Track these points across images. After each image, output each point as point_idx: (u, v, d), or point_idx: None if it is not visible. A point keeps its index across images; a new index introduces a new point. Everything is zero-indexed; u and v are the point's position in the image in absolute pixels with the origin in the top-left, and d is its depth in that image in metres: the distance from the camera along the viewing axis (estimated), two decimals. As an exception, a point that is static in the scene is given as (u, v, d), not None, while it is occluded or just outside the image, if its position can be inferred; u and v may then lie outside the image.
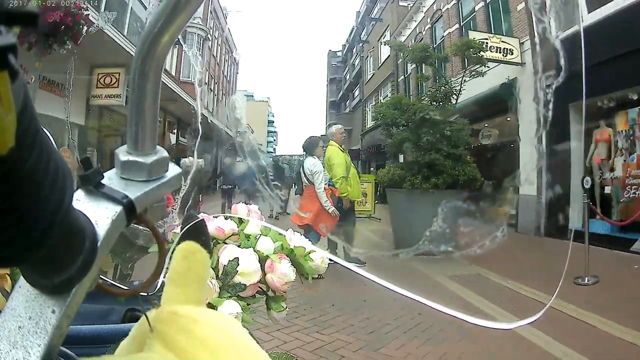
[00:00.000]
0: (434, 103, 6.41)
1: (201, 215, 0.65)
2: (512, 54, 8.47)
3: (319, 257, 0.72)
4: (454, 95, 6.40)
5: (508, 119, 8.81)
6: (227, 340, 0.28)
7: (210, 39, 19.70)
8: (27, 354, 0.25)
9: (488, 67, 7.42)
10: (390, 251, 5.36)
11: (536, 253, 5.83)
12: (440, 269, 4.47)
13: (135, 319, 0.64)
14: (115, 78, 8.00)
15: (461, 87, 6.51)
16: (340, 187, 4.60)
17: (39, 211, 0.20)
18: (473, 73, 6.88)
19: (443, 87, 6.55)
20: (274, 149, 60.45)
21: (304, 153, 4.86)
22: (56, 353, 0.27)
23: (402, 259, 4.82)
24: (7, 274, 0.51)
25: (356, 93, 27.96)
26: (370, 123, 22.13)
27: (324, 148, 4.83)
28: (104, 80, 8.04)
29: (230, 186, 9.63)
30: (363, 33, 24.77)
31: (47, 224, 0.20)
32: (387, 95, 18.65)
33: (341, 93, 33.42)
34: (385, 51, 19.47)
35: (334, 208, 4.45)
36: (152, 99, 0.31)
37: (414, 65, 14.81)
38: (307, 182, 4.60)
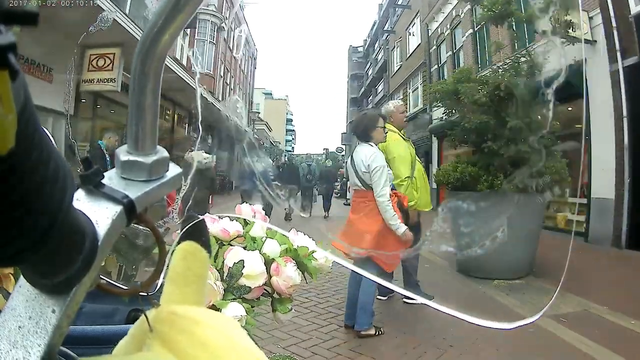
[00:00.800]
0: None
1: (206, 216, 0.65)
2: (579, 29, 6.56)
3: (322, 256, 0.72)
4: (537, 70, 4.42)
5: (570, 108, 7.11)
6: (226, 341, 0.28)
7: (226, 28, 18.28)
8: (27, 354, 0.25)
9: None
10: (467, 278, 4.23)
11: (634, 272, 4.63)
12: (532, 304, 3.29)
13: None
14: (110, 59, 6.67)
15: (544, 59, 4.78)
16: (406, 192, 2.99)
17: (39, 211, 0.20)
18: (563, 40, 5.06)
19: (525, 58, 4.70)
20: (293, 147, 60.69)
21: (351, 143, 3.87)
22: (56, 352, 0.27)
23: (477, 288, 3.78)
24: (10, 273, 0.52)
25: (380, 88, 26.86)
26: None
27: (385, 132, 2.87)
28: (96, 62, 6.71)
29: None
30: (387, 24, 23.50)
31: (47, 223, 0.21)
32: (416, 88, 17.92)
33: (363, 89, 32.60)
34: (414, 41, 18.31)
35: (405, 228, 2.63)
36: (153, 98, 0.31)
37: (449, 53, 14.05)
38: (359, 184, 2.72)
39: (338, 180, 16.79)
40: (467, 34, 12.62)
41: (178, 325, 0.28)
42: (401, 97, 19.49)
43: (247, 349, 0.29)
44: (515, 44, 7.04)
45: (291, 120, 64.30)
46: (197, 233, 0.34)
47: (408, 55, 18.84)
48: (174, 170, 0.34)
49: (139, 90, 0.30)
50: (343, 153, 40.33)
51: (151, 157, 0.32)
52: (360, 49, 36.53)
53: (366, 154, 2.66)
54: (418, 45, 17.46)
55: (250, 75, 28.05)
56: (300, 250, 0.72)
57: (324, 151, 39.38)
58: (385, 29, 23.07)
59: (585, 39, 6.68)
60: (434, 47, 15.62)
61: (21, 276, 0.27)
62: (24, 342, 0.26)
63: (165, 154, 0.33)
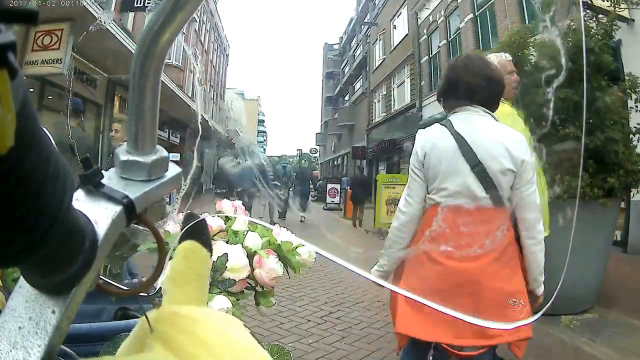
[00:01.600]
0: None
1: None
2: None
3: (306, 251, 0.73)
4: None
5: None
6: (227, 341, 0.29)
7: (197, 20, 17.15)
8: (27, 355, 0.25)
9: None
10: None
11: None
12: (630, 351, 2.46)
13: (126, 317, 0.64)
14: (57, 37, 5.67)
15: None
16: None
17: (39, 211, 0.20)
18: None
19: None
20: (264, 149, 59.39)
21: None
22: (56, 353, 0.27)
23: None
24: None
25: (357, 86, 25.99)
26: (378, 116, 19.53)
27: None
28: (41, 41, 5.67)
29: (224, 190, 9.23)
30: (367, 17, 21.91)
31: (47, 224, 0.21)
32: (402, 82, 16.55)
33: (339, 88, 31.57)
34: (399, 32, 16.83)
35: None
36: (152, 99, 0.31)
37: (443, 42, 12.66)
38: (481, 193, 1.22)
39: (312, 182, 16.06)
40: (466, 19, 11.46)
41: (179, 325, 0.29)
42: (384, 92, 18.68)
43: (249, 347, 0.29)
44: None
45: (263, 122, 62.91)
46: (197, 232, 0.34)
47: (392, 48, 17.57)
48: (173, 170, 0.34)
49: (139, 91, 0.30)
50: (317, 154, 38.82)
51: (151, 157, 0.32)
52: (336, 47, 35.27)
53: (512, 138, 1.26)
54: (405, 36, 16.07)
55: (222, 72, 26.82)
56: (284, 245, 0.73)
57: (298, 152, 38.32)
58: (367, 20, 21.64)
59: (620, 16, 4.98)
60: (424, 36, 14.35)
61: (21, 277, 0.27)
62: (24, 343, 0.26)
63: (165, 153, 0.33)
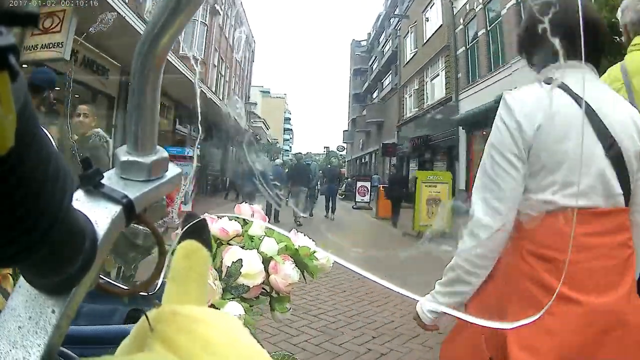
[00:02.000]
0: None
1: (205, 216, 0.66)
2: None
3: (324, 256, 0.72)
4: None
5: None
6: (228, 340, 0.28)
7: (221, 13, 16.54)
8: (27, 354, 0.25)
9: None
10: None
11: None
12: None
13: (139, 319, 0.66)
14: (59, 19, 5.12)
15: None
16: None
17: (39, 211, 0.20)
18: None
19: None
20: (290, 147, 59.38)
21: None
22: (56, 353, 0.28)
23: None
24: (9, 273, 0.52)
25: (386, 82, 25.57)
26: (410, 111, 18.70)
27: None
28: (42, 24, 5.01)
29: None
30: (397, 10, 21.57)
31: (47, 224, 0.21)
32: (437, 75, 15.79)
33: (367, 84, 31.11)
34: (432, 24, 16.04)
35: None
36: (152, 99, 0.31)
37: (482, 31, 11.91)
38: (616, 190, 0.81)
39: (339, 180, 15.15)
40: (509, 5, 10.67)
41: (179, 324, 0.29)
42: (416, 87, 17.90)
43: (250, 347, 0.29)
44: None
45: (289, 119, 63.06)
46: (197, 232, 0.34)
47: (425, 41, 16.69)
48: (173, 170, 0.34)
49: (139, 91, 0.30)
50: (344, 152, 38.25)
51: (150, 157, 0.32)
52: (364, 43, 35.00)
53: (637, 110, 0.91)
54: (439, 27, 15.17)
55: (247, 69, 26.50)
56: (301, 250, 0.72)
57: (325, 150, 37.45)
58: (397, 12, 21.17)
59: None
60: (461, 26, 13.51)
61: (21, 276, 0.28)
62: (24, 342, 0.26)
63: (165, 154, 0.33)
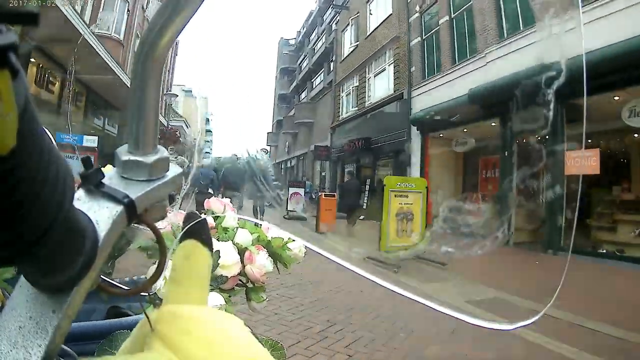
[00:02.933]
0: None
1: (177, 212, 0.65)
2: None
3: (297, 246, 0.74)
4: None
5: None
6: (228, 340, 0.29)
7: None
8: (28, 354, 0.25)
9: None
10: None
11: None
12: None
13: (118, 316, 0.64)
14: None
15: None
16: None
17: (40, 211, 0.20)
18: None
19: None
20: (211, 149, 56.02)
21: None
22: (57, 353, 0.27)
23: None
24: None
25: (317, 81, 23.99)
26: (347, 111, 17.02)
27: None
28: None
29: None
30: (334, 1, 19.29)
31: (48, 223, 0.21)
32: (382, 70, 14.05)
33: (295, 84, 29.44)
34: (377, 15, 14.36)
35: None
36: (153, 99, 0.31)
37: (445, 18, 10.40)
38: None
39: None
40: None
41: (179, 324, 0.29)
42: (356, 84, 16.17)
43: (250, 347, 0.29)
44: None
45: (209, 120, 60.66)
46: (198, 232, 0.35)
47: (369, 33, 15.01)
48: (174, 170, 0.34)
49: (139, 91, 0.30)
50: (267, 155, 37.00)
51: (152, 157, 0.32)
52: (292, 42, 33.30)
53: None
54: (388, 17, 13.55)
55: (170, 61, 23.69)
56: (274, 241, 0.73)
57: (246, 151, 35.53)
58: (335, 3, 18.89)
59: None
60: (416, 15, 11.99)
61: (22, 276, 0.27)
62: (25, 343, 0.26)
63: (166, 153, 0.33)
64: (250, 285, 0.71)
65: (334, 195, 10.08)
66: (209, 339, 0.28)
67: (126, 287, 0.35)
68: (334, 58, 19.53)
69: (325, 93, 20.85)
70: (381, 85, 14.36)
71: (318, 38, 24.32)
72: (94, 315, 0.65)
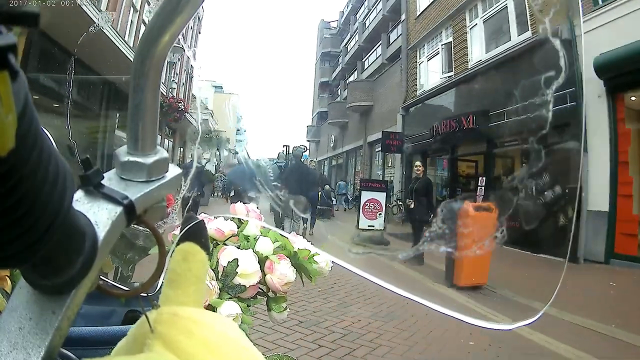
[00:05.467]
0: None
1: (201, 216, 0.65)
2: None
3: (323, 260, 0.72)
4: None
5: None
6: (227, 342, 0.29)
7: None
8: (28, 355, 0.25)
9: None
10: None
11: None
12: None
13: (136, 320, 0.66)
14: None
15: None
16: None
17: (39, 212, 0.20)
18: None
19: None
20: (244, 149, 56.50)
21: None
22: (56, 354, 0.27)
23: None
24: (7, 275, 0.52)
25: (371, 58, 19.63)
26: (428, 83, 12.08)
27: None
28: None
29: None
30: None
31: (47, 225, 0.21)
32: (501, 6, 8.99)
33: (339, 68, 25.68)
34: None
35: None
36: (152, 99, 0.31)
37: None
38: None
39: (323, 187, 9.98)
40: None
41: (179, 326, 0.29)
42: (448, 39, 11.17)
43: (247, 349, 0.30)
44: None
45: (240, 119, 59.72)
46: (196, 234, 0.34)
47: None
48: (173, 171, 0.34)
49: (139, 91, 0.30)
50: (306, 153, 32.64)
51: (151, 158, 0.32)
52: (335, 24, 29.37)
53: None
54: None
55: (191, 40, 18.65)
56: (300, 252, 0.72)
57: (284, 149, 32.53)
58: None
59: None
60: None
61: (21, 277, 0.27)
62: (24, 344, 0.26)
63: (165, 154, 0.33)
64: (271, 294, 0.70)
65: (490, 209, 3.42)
66: (210, 340, 0.28)
67: (126, 289, 0.35)
68: (403, 18, 14.64)
69: (386, 69, 16.44)
70: (498, 31, 9.24)
71: (369, 11, 20.34)
72: (112, 318, 0.66)
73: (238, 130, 53.50)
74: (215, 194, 15.61)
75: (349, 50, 23.87)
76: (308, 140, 29.74)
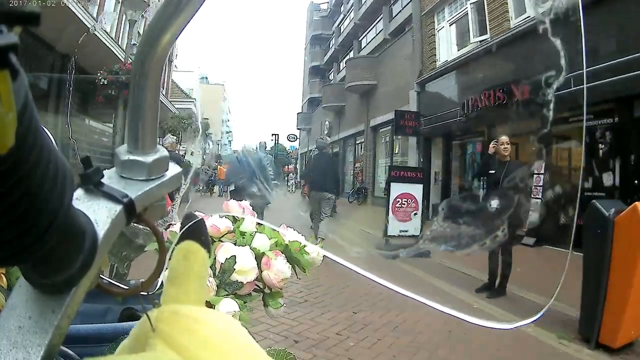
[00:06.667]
0: None
1: (196, 214, 0.65)
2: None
3: (314, 250, 0.72)
4: None
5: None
6: (229, 340, 0.29)
7: None
8: (28, 354, 0.25)
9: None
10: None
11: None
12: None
13: (132, 318, 0.65)
14: None
15: None
16: None
17: (39, 211, 0.20)
18: None
19: None
20: (230, 141, 52.34)
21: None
22: (56, 353, 0.28)
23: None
24: (2, 273, 0.51)
25: (368, 38, 18.15)
26: (449, 53, 10.24)
27: None
28: None
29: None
30: None
31: (47, 223, 0.21)
32: None
33: (332, 50, 23.93)
34: None
35: None
36: (152, 98, 0.31)
37: None
38: None
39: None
40: None
41: (180, 324, 0.29)
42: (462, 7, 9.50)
43: (249, 346, 0.30)
44: None
45: (229, 111, 55.08)
46: (196, 233, 0.35)
47: None
48: (173, 169, 0.34)
49: (139, 90, 0.31)
50: (295, 142, 28.77)
51: (151, 157, 0.32)
52: (325, 5, 27.85)
53: None
54: None
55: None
56: (291, 245, 0.72)
57: (273, 137, 27.24)
58: None
59: None
60: None
61: (21, 276, 0.27)
62: (24, 342, 0.26)
63: (165, 153, 0.33)
64: (267, 291, 0.71)
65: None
66: (212, 339, 0.28)
67: (125, 287, 0.35)
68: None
69: (390, 44, 14.52)
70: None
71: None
72: (108, 316, 0.66)
73: (224, 121, 50.94)
74: (199, 188, 13.95)
75: (342, 30, 22.24)
76: (298, 129, 27.83)
